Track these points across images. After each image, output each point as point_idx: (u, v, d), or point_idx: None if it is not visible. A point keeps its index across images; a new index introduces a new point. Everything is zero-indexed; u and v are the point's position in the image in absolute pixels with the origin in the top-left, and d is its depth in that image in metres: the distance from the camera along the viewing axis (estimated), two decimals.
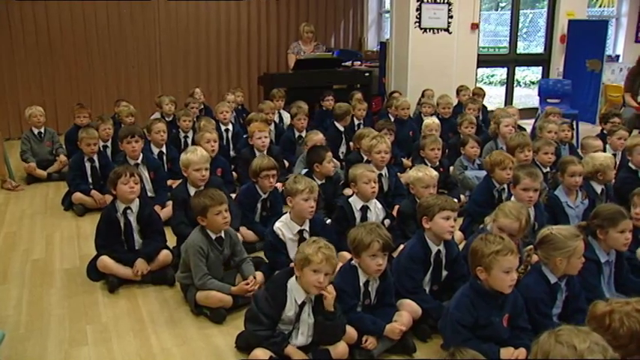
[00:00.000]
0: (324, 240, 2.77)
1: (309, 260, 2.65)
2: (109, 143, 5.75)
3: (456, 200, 4.76)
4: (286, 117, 6.82)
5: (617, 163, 5.41)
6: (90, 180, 5.09)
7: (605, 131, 5.92)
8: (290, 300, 2.74)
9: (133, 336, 3.12)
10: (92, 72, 8.40)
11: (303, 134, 5.87)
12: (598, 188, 4.43)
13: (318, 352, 2.78)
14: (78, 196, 4.96)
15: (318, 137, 5.07)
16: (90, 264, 3.74)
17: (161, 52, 8.79)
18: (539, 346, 1.84)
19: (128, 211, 3.72)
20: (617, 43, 10.42)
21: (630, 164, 4.76)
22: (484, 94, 7.79)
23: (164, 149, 5.42)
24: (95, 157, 5.12)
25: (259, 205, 4.28)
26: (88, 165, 5.10)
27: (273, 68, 9.44)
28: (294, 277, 2.76)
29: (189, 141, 5.94)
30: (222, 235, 3.40)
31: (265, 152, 5.14)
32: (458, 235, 3.87)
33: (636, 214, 3.55)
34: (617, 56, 10.26)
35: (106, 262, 3.62)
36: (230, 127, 6.30)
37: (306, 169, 4.64)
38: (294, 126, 6.10)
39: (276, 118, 6.84)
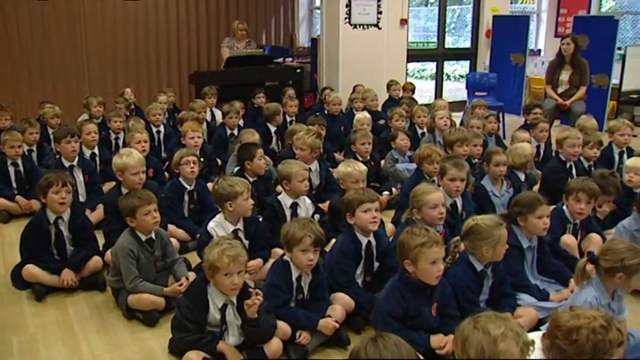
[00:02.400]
0: (227, 240, 2.77)
1: (216, 267, 2.65)
2: (34, 147, 5.54)
3: (387, 193, 4.92)
4: (218, 115, 6.77)
5: (542, 153, 5.70)
6: (14, 185, 4.89)
7: (528, 122, 6.16)
8: (212, 304, 2.74)
9: (62, 345, 3.03)
10: (14, 72, 8.06)
11: (236, 132, 5.85)
12: (522, 177, 4.63)
13: (252, 351, 2.77)
14: (1, 202, 4.76)
15: (254, 138, 5.03)
16: (14, 272, 3.61)
17: (87, 50, 8.53)
18: (459, 332, 1.91)
19: (59, 220, 3.58)
20: (539, 37, 10.84)
21: (560, 155, 4.96)
22: (414, 89, 7.98)
23: (96, 151, 5.26)
24: (19, 161, 4.93)
25: (186, 198, 4.25)
26: (11, 169, 4.89)
27: (204, 66, 9.34)
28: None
29: (121, 142, 5.81)
30: (153, 236, 3.34)
31: (198, 152, 5.09)
32: (389, 227, 3.94)
33: (581, 209, 3.68)
34: (539, 50, 10.67)
35: (32, 270, 3.49)
36: (162, 128, 6.20)
37: (238, 167, 4.62)
38: (227, 124, 6.06)
39: (209, 117, 6.78)
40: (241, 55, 8.01)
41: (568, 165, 4.85)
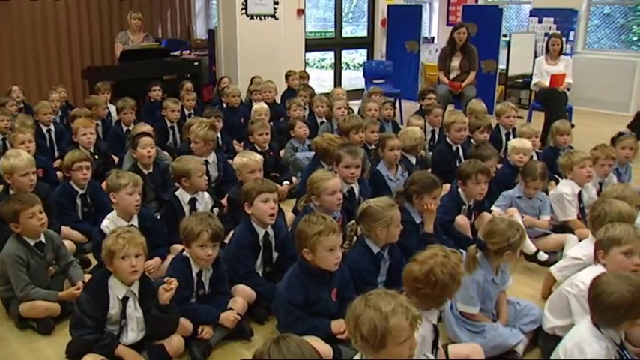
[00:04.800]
0: (123, 228, 2.76)
1: (112, 251, 2.62)
2: None
3: (287, 183, 4.96)
4: (114, 111, 6.53)
5: (437, 137, 5.92)
6: None
7: (422, 107, 6.37)
8: (112, 297, 2.68)
9: None
10: None
11: (132, 128, 5.68)
12: (413, 161, 4.79)
13: (153, 349, 2.74)
14: None
15: (145, 129, 4.91)
16: None
17: None
18: (352, 311, 1.97)
19: None
20: (432, 26, 11.22)
21: (447, 139, 5.17)
22: (308, 77, 8.11)
23: None
24: None
25: (79, 202, 4.10)
26: None
27: (97, 61, 8.97)
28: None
29: (8, 143, 5.49)
30: (43, 239, 3.21)
31: (92, 149, 4.92)
32: (289, 216, 3.98)
33: (482, 190, 3.87)
34: (433, 38, 11.05)
35: None
36: (52, 126, 5.92)
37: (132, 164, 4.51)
38: (122, 120, 5.88)
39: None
40: (136, 49, 7.77)
41: (455, 148, 5.08)
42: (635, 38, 9.43)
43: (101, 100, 6.29)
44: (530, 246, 3.83)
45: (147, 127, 5.02)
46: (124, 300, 2.70)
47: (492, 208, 4.11)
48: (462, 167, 3.98)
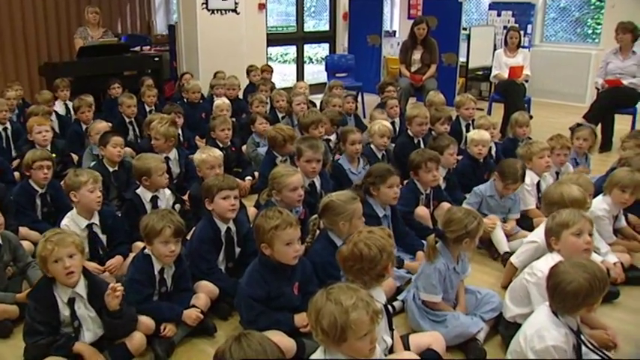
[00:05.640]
0: (52, 230, 2.68)
1: (43, 257, 2.56)
2: None
3: (250, 178, 4.95)
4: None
5: (397, 129, 5.97)
6: None
7: (383, 100, 6.42)
8: (59, 300, 2.63)
9: None
10: None
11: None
12: (379, 154, 4.83)
13: (114, 348, 2.70)
14: None
15: (101, 125, 4.87)
16: None
17: None
18: (313, 304, 1.98)
19: None
20: (393, 19, 11.27)
21: (409, 131, 5.22)
22: (272, 71, 8.08)
23: None
24: None
25: (39, 202, 4.01)
26: None
27: (55, 57, 8.78)
28: None
29: None
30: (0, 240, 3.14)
31: (49, 147, 4.82)
32: (252, 210, 3.96)
33: (434, 176, 3.94)
34: (394, 31, 11.10)
35: None
36: (8, 125, 5.78)
37: (94, 162, 4.43)
38: (80, 119, 5.77)
39: (63, 110, 6.45)
40: (95, 45, 7.63)
41: (416, 140, 5.14)
42: (590, 31, 9.64)
43: (45, 97, 6.20)
44: (504, 245, 3.84)
45: (103, 124, 4.95)
46: (71, 302, 2.64)
47: (464, 204, 4.07)
48: (411, 157, 4.02)
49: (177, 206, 3.84)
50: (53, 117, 5.92)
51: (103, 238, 3.41)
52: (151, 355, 2.80)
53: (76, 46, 7.76)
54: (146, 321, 2.80)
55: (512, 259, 3.34)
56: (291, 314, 2.81)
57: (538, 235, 3.18)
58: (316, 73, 11.72)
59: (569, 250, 2.75)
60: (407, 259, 3.54)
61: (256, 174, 5.01)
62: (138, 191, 3.77)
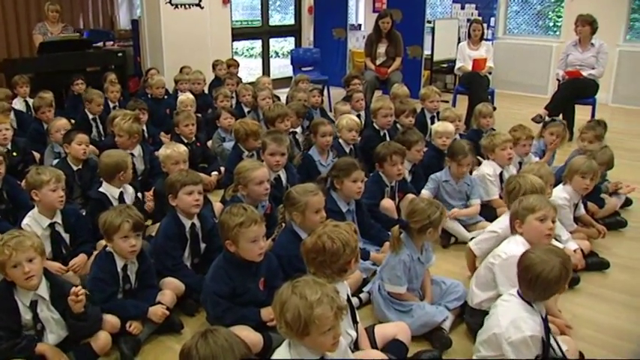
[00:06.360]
0: (10, 233, 2.59)
1: (1, 262, 2.49)
2: None
3: (216, 173, 4.92)
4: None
5: (363, 122, 5.99)
6: None
7: (348, 93, 6.44)
8: (20, 304, 2.57)
9: None
10: None
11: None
12: (347, 148, 4.85)
13: (80, 349, 2.67)
14: None
15: (61, 122, 4.79)
16: None
17: None
18: (278, 296, 1.99)
19: None
20: (359, 13, 11.30)
21: (374, 124, 5.25)
22: (238, 65, 8.03)
23: None
24: None
25: None
26: None
27: (14, 53, 8.60)
28: None
29: None
30: None
31: (9, 145, 4.72)
32: (217, 206, 3.94)
33: (399, 170, 3.95)
34: (360, 25, 11.13)
35: None
36: None
37: (57, 160, 4.36)
38: (41, 119, 5.65)
39: (23, 107, 6.33)
40: (55, 41, 7.48)
41: (382, 133, 5.17)
42: (551, 24, 9.80)
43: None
44: (464, 233, 3.94)
45: (63, 121, 4.86)
46: (33, 305, 2.59)
47: (423, 191, 4.17)
48: (377, 150, 4.04)
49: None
50: (12, 115, 5.79)
51: (66, 237, 3.35)
52: (117, 354, 2.77)
53: (36, 42, 7.61)
54: (111, 319, 2.76)
55: (471, 244, 3.36)
56: (257, 309, 2.79)
57: (499, 225, 3.24)
58: (282, 67, 11.69)
59: (532, 235, 2.82)
60: (373, 251, 3.57)
61: (222, 169, 4.98)
62: (102, 189, 3.71)
